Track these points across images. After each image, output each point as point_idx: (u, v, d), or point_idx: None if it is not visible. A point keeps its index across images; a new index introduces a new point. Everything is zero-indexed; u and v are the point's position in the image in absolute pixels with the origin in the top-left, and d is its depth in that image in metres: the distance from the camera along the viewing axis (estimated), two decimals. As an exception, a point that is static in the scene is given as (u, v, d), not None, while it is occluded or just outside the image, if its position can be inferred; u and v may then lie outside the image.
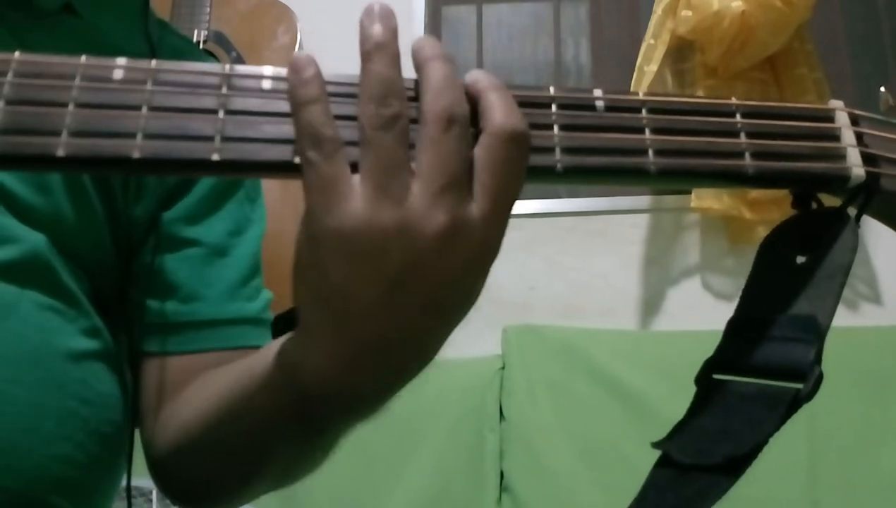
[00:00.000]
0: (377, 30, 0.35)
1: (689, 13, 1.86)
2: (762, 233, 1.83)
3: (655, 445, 0.40)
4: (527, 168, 0.36)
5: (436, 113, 0.35)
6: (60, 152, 0.33)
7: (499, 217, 0.35)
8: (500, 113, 0.36)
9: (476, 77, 0.37)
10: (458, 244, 0.34)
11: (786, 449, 1.47)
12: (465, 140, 0.35)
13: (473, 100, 0.36)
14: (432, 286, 0.35)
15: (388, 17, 0.36)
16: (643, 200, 2.03)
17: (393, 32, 0.36)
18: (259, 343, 0.64)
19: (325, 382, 0.39)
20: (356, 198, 0.34)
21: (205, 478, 0.56)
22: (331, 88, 0.36)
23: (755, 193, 1.84)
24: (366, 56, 0.35)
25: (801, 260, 0.41)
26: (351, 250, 0.34)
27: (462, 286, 0.36)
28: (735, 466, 0.37)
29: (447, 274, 0.35)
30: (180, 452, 0.56)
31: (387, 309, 0.35)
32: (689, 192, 1.94)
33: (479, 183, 0.35)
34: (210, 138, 0.34)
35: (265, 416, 0.46)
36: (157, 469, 0.60)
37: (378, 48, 0.35)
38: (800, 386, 0.37)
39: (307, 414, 0.43)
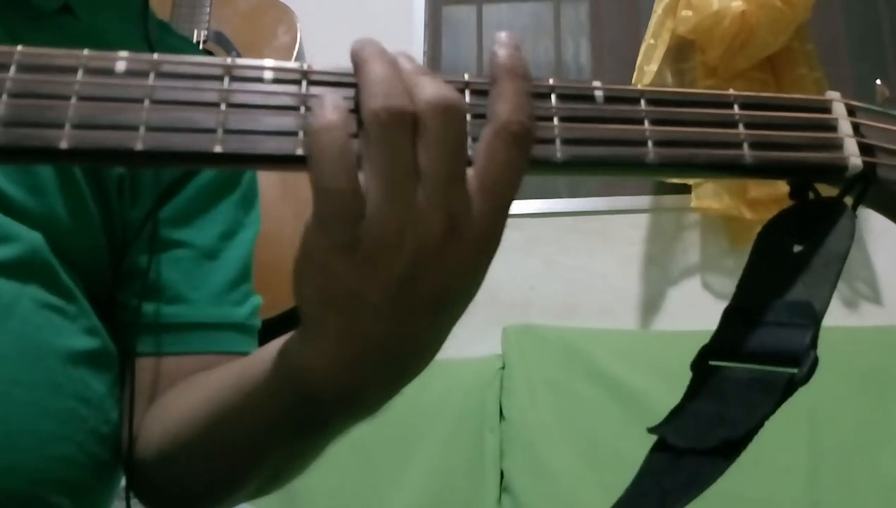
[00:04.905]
0: (365, 43, 0.36)
1: (690, 13, 1.86)
2: (762, 232, 1.84)
3: (652, 430, 0.40)
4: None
5: (430, 108, 0.34)
6: (63, 144, 0.33)
7: (498, 214, 0.35)
8: (508, 108, 0.35)
9: (501, 42, 0.36)
10: (460, 241, 0.35)
11: (786, 450, 1.47)
12: (461, 136, 0.34)
13: (492, 77, 0.36)
14: (436, 284, 0.35)
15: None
16: (643, 200, 2.03)
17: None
18: (244, 349, 0.63)
19: (326, 383, 0.39)
20: (366, 201, 0.34)
21: (189, 486, 0.55)
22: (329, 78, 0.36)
23: (755, 193, 1.84)
24: (361, 62, 0.35)
25: (797, 248, 0.41)
26: (362, 252, 0.34)
27: (464, 282, 0.36)
28: (731, 449, 0.37)
29: (450, 271, 0.35)
30: (164, 459, 0.54)
31: (394, 309, 0.36)
32: (689, 192, 1.94)
33: (478, 179, 0.35)
34: (212, 130, 0.34)
35: (262, 418, 0.46)
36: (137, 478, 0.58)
37: (372, 54, 0.35)
38: (795, 370, 0.38)
39: (306, 415, 0.43)
